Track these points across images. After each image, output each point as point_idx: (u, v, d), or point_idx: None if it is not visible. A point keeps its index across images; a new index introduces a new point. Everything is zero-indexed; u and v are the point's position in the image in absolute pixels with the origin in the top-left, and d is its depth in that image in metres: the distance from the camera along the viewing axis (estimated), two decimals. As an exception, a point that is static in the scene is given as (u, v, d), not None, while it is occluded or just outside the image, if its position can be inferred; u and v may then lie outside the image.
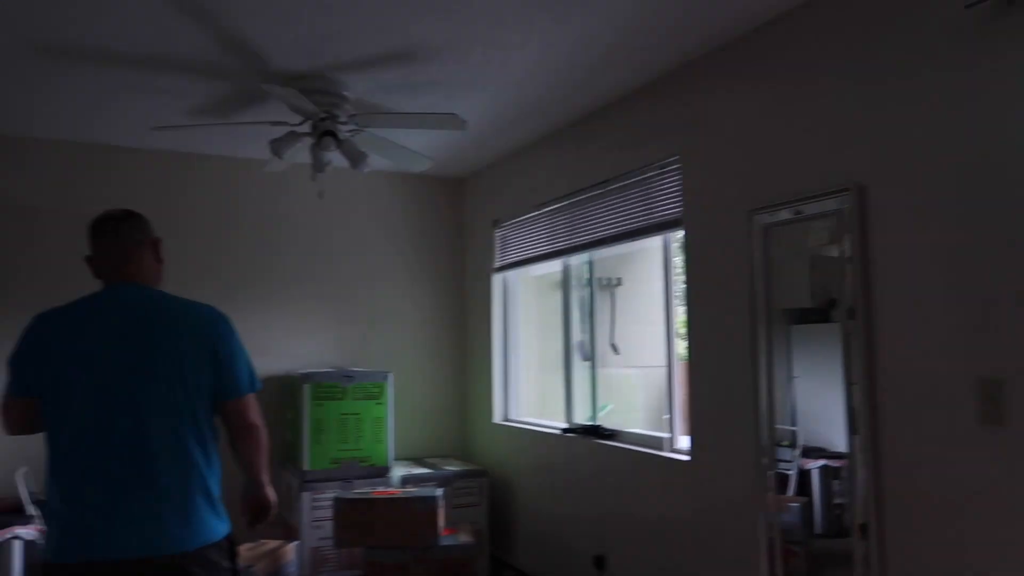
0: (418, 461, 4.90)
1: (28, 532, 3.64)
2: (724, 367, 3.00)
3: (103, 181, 4.41)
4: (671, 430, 3.46)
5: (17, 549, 3.65)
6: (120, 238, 2.18)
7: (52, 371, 2.06)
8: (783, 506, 2.75)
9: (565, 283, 4.34)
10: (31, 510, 3.69)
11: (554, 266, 4.48)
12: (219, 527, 2.13)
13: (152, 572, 2.01)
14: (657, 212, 3.45)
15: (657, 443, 3.49)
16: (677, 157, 3.29)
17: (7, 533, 3.58)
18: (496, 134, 4.24)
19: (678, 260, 3.42)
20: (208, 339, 2.13)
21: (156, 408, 2.05)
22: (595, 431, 3.92)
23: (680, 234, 3.31)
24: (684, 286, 3.25)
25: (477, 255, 5.16)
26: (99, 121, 4.00)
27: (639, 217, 3.58)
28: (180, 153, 4.60)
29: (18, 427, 2.12)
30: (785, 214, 2.72)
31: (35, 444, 2.15)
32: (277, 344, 4.74)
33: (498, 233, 4.89)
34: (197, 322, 2.15)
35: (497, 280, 4.94)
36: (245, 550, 3.66)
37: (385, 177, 5.07)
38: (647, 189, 3.52)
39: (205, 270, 4.56)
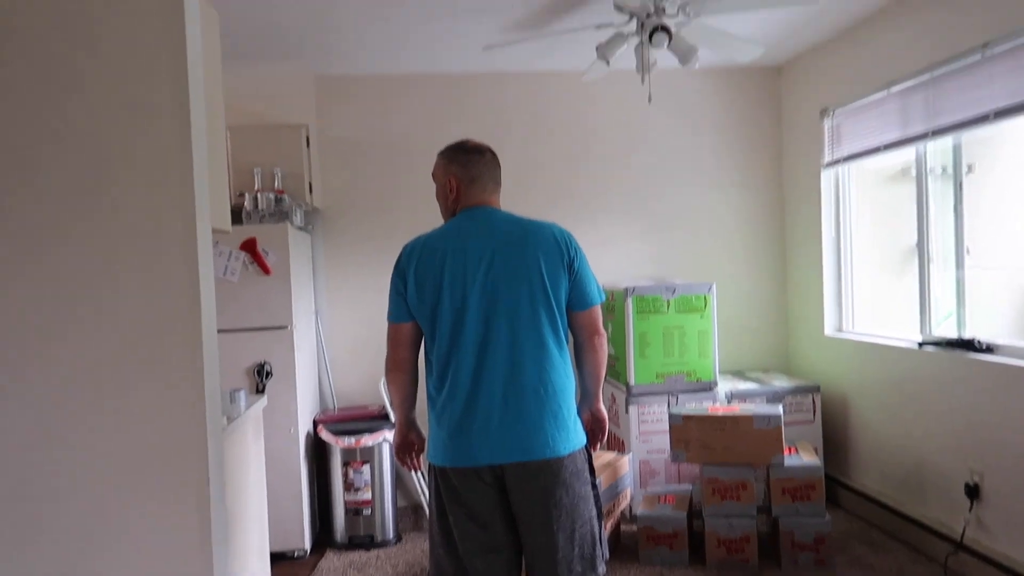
0: (739, 375, 4.68)
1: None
2: None
3: (428, 109, 4.60)
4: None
5: (387, 450, 4.07)
6: (484, 168, 2.30)
7: (429, 293, 2.16)
8: None
9: (919, 174, 3.74)
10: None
11: (898, 156, 3.88)
12: (581, 435, 2.24)
13: (527, 475, 2.11)
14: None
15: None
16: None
17: (378, 437, 4.00)
18: (832, 6, 3.68)
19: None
20: (564, 253, 2.19)
21: (526, 321, 2.13)
22: (965, 344, 3.39)
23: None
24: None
25: (800, 150, 4.66)
26: (420, 51, 4.11)
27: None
28: (493, 74, 4.64)
29: (403, 349, 2.25)
30: None
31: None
32: (593, 257, 4.71)
33: (827, 123, 4.35)
34: (552, 238, 2.20)
35: (827, 176, 4.42)
36: (583, 461, 3.73)
37: (693, 74, 4.71)
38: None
39: (521, 186, 4.62)
